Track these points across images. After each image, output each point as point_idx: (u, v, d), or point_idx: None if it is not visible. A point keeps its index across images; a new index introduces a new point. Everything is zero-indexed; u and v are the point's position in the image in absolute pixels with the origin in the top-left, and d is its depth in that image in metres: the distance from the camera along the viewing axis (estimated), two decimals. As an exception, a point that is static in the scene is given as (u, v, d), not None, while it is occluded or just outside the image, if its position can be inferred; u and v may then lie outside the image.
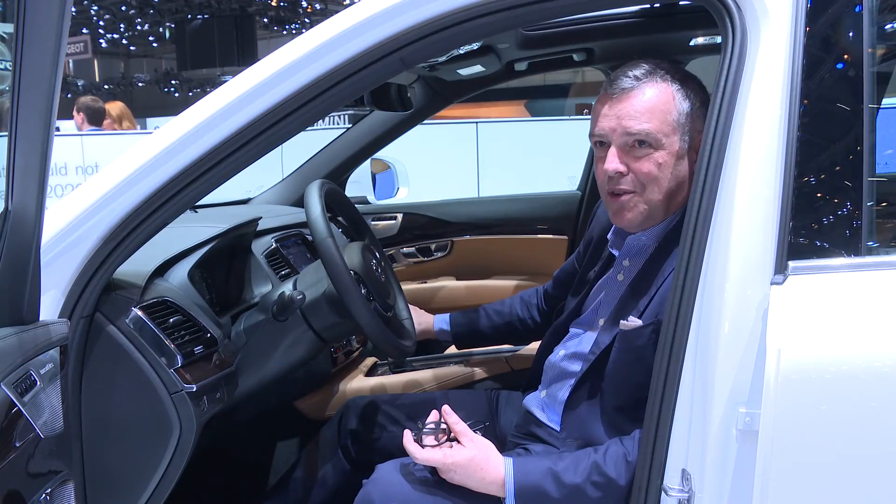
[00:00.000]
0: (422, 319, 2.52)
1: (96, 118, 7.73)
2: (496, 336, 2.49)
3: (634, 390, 1.73)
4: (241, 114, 1.64)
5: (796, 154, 1.44)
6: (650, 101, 1.76)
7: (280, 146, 1.73)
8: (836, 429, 1.35)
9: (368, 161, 3.45)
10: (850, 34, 1.50)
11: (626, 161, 1.78)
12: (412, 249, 3.51)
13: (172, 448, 1.77)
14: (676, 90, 1.77)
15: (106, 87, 26.18)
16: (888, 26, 1.56)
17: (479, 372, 2.76)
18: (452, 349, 3.12)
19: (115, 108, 8.16)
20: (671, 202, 1.82)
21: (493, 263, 3.50)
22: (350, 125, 3.40)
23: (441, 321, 2.52)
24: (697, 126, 1.77)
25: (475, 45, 2.54)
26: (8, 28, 1.21)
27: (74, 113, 7.81)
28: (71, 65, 24.30)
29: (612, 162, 1.79)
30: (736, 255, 1.44)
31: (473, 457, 1.73)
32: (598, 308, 1.99)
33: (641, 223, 1.85)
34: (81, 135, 8.00)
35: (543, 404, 2.01)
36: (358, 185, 3.51)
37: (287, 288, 2.14)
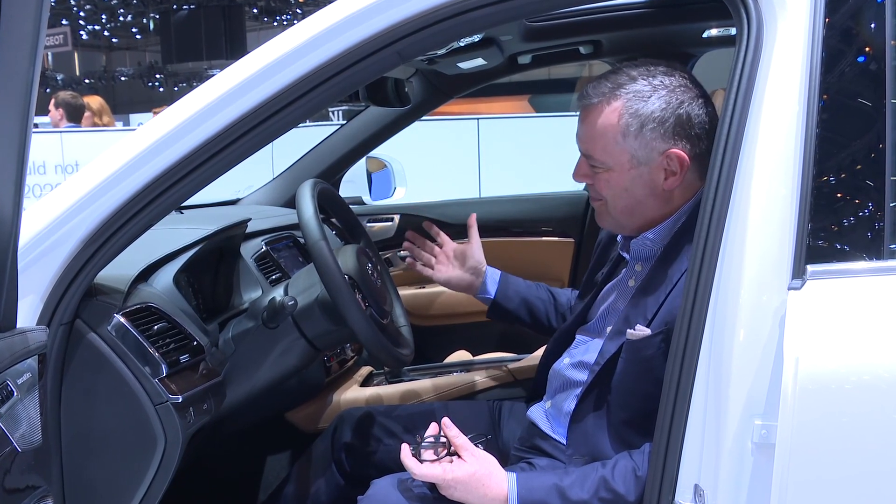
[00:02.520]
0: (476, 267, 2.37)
1: (76, 115, 7.75)
2: (537, 310, 2.39)
3: (643, 402, 1.73)
4: (230, 109, 1.64)
5: (815, 152, 1.44)
6: (596, 124, 1.81)
7: (270, 144, 1.73)
8: (857, 442, 1.35)
9: (364, 159, 3.45)
10: (872, 25, 1.50)
11: (589, 172, 1.88)
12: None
13: (157, 462, 1.77)
14: (626, 109, 1.78)
15: (87, 81, 26.21)
16: (912, 17, 1.56)
17: (480, 382, 2.76)
18: (452, 358, 3.12)
19: (94, 101, 8.18)
20: (633, 217, 1.88)
21: (496, 267, 3.50)
22: (344, 121, 3.40)
23: (493, 274, 2.41)
24: (657, 145, 1.78)
25: (476, 38, 2.54)
26: (-17, 19, 1.21)
27: (52, 109, 7.82)
28: (50, 58, 24.31)
29: (576, 171, 1.91)
30: (751, 259, 1.44)
31: (475, 472, 1.73)
32: (605, 314, 1.99)
33: (613, 228, 1.96)
34: (61, 131, 8.02)
35: (548, 416, 2.01)
36: (353, 184, 3.51)
37: (278, 293, 2.14)
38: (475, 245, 2.35)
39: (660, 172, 1.81)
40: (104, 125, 8.07)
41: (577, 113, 1.85)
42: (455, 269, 2.36)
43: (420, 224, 2.39)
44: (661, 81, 1.79)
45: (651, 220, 1.87)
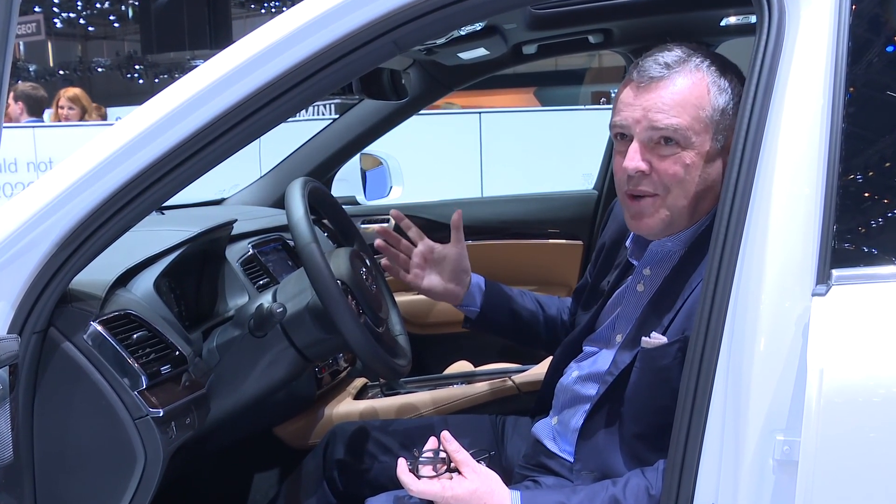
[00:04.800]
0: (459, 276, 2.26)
1: (37, 108, 7.70)
2: (525, 322, 2.34)
3: (658, 416, 1.73)
4: (214, 103, 1.64)
5: (841, 148, 1.44)
6: (681, 93, 1.75)
7: (258, 139, 1.73)
8: (886, 459, 1.35)
9: (358, 156, 3.45)
10: (902, 13, 1.50)
11: (650, 159, 1.78)
12: (407, 256, 3.51)
13: (136, 480, 1.77)
14: (712, 82, 1.76)
15: (61, 72, 26.23)
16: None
17: (482, 395, 2.76)
18: (452, 369, 3.12)
19: (83, 98, 8.14)
20: (697, 208, 1.82)
21: (499, 272, 3.48)
22: (337, 116, 3.40)
23: (478, 281, 2.32)
24: (733, 124, 1.75)
25: (478, 26, 2.55)
26: (-49, 6, 1.20)
27: (10, 102, 7.74)
28: (22, 48, 24.33)
29: (634, 159, 1.78)
30: (773, 263, 1.44)
31: (476, 490, 1.73)
32: (614, 323, 1.98)
33: (662, 230, 1.85)
34: (33, 126, 8.00)
35: (555, 433, 2.01)
36: (346, 183, 3.51)
37: (266, 299, 2.14)
38: (460, 249, 2.25)
39: (726, 155, 1.77)
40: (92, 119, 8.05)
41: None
42: (436, 275, 2.24)
43: (420, 226, 2.36)
44: (723, 61, 1.80)
45: (703, 213, 1.83)
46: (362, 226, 3.44)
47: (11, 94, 7.78)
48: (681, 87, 1.75)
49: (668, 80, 1.76)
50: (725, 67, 1.79)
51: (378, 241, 2.26)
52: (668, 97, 1.75)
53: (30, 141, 8.20)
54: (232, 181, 3.46)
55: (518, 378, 2.79)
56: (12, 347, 1.58)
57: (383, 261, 2.29)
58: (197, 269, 2.42)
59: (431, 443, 1.83)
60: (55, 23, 25.79)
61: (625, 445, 1.83)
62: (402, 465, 1.78)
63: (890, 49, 1.50)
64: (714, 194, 1.80)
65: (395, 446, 2.24)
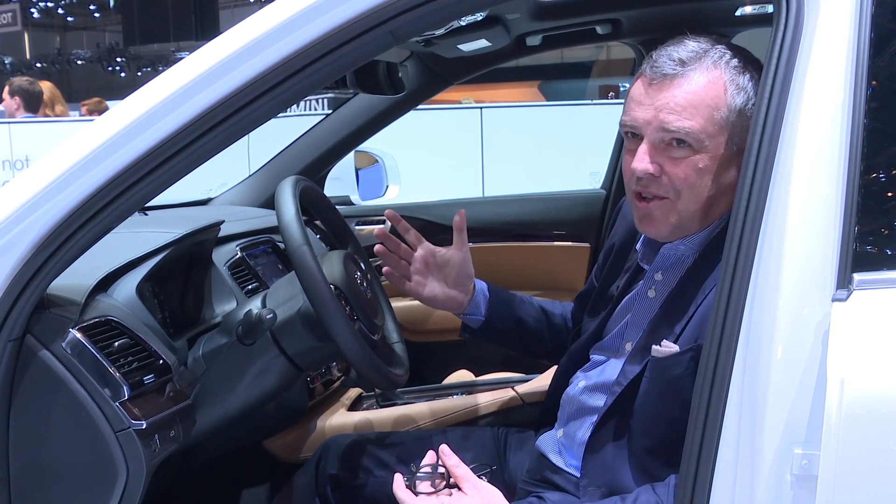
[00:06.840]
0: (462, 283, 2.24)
1: (34, 104, 7.70)
2: (531, 330, 2.32)
3: (669, 428, 1.73)
4: (200, 97, 1.64)
5: (862, 145, 1.44)
6: (696, 93, 1.74)
7: (246, 136, 1.73)
8: (910, 474, 1.35)
9: (352, 154, 3.45)
10: (928, 2, 1.50)
11: (660, 161, 1.77)
12: (404, 259, 3.51)
13: (118, 496, 1.77)
14: (730, 80, 1.74)
15: (38, 64, 26.23)
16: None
17: (484, 406, 2.76)
18: (452, 378, 3.12)
19: (45, 89, 8.13)
20: (709, 212, 1.81)
21: (501, 276, 3.48)
22: (330, 111, 3.40)
23: (482, 288, 2.29)
24: (748, 124, 1.72)
25: (479, 16, 2.55)
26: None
27: (6, 97, 7.76)
28: (-3, 39, 24.34)
29: (643, 161, 1.77)
30: (790, 267, 1.44)
31: (477, 507, 1.73)
32: (623, 330, 1.98)
33: (670, 234, 1.85)
34: (10, 122, 8.00)
35: (560, 446, 2.01)
36: (339, 182, 3.52)
37: (254, 305, 2.14)
38: (464, 252, 2.22)
39: (742, 158, 1.75)
40: (57, 116, 8.03)
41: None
42: (438, 282, 2.21)
43: (417, 227, 2.34)
44: (745, 55, 1.79)
45: (716, 217, 1.82)
46: (357, 227, 3.44)
47: (7, 90, 7.78)
48: (695, 87, 1.74)
49: (682, 79, 1.74)
50: (746, 64, 1.77)
51: (378, 247, 2.23)
52: (681, 97, 1.74)
53: (5, 137, 8.20)
54: (219, 180, 3.46)
55: (521, 388, 2.79)
56: (-14, 356, 1.58)
57: (384, 268, 2.25)
58: (182, 272, 2.42)
59: (430, 457, 1.83)
60: (32, 12, 25.82)
61: (634, 459, 1.83)
62: (399, 481, 1.77)
63: (914, 40, 1.50)
64: (728, 198, 1.79)
65: (392, 461, 2.24)
